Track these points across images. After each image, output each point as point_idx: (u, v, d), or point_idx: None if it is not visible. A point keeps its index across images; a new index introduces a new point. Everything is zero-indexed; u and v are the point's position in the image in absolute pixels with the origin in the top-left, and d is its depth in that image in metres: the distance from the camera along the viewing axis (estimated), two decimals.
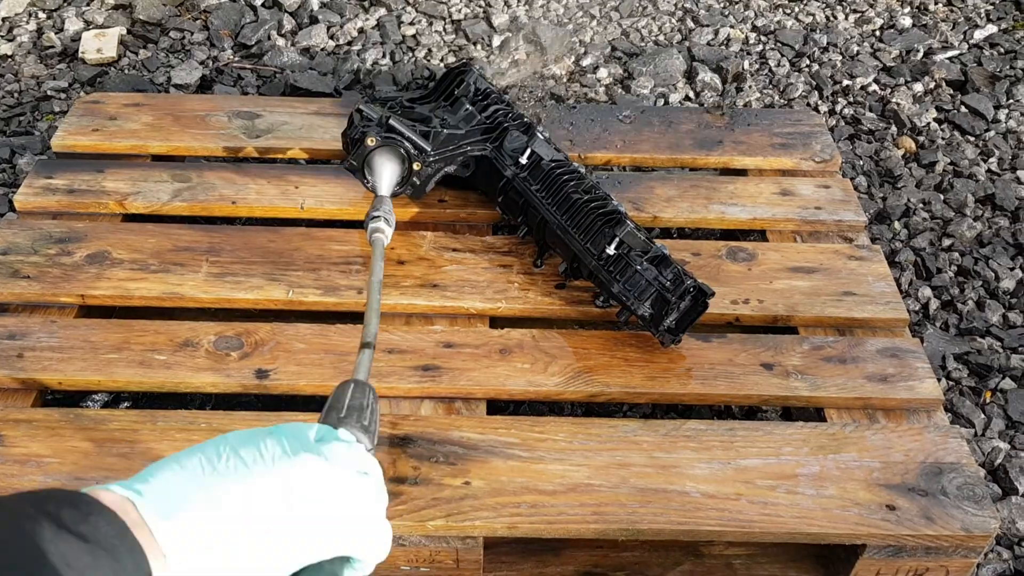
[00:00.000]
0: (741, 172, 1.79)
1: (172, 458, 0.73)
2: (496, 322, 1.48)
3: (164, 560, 0.66)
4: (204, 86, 2.29)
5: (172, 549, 0.66)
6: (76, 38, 2.40)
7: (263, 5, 2.52)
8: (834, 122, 2.26)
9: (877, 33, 2.54)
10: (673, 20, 2.55)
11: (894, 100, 2.30)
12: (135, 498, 0.67)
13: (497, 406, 1.40)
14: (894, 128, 2.24)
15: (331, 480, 0.76)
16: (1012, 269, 1.89)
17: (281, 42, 2.42)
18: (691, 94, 2.32)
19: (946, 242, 1.94)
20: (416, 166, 1.54)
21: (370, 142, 1.50)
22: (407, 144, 1.52)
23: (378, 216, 1.39)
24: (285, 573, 0.74)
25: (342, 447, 0.80)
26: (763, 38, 2.50)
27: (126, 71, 2.32)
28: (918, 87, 2.34)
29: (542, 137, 1.55)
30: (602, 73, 2.36)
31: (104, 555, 0.61)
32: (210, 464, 0.72)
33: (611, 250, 1.40)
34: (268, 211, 1.65)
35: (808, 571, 1.31)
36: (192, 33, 2.44)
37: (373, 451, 0.87)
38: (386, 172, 1.51)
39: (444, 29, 2.48)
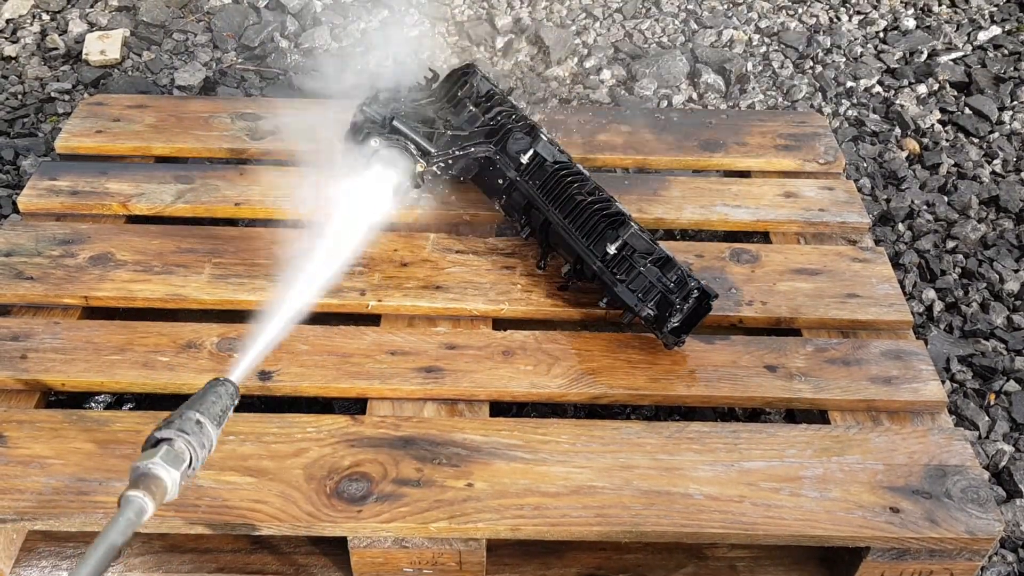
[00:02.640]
0: (745, 174, 1.79)
1: None
2: (499, 324, 1.48)
3: None
4: (207, 88, 2.29)
5: None
6: (80, 40, 2.40)
7: (266, 7, 2.52)
8: (838, 124, 2.25)
9: (881, 35, 2.53)
10: (676, 22, 2.55)
11: (898, 102, 2.30)
12: None
13: (500, 408, 1.40)
14: (898, 130, 2.23)
15: None
16: (1017, 271, 1.88)
17: (284, 44, 2.43)
18: (694, 96, 2.32)
19: (950, 244, 1.94)
20: (420, 167, 1.54)
21: (374, 143, 1.50)
22: (411, 146, 1.52)
23: (168, 439, 0.90)
24: None
25: None
26: (766, 40, 2.50)
27: (130, 73, 2.33)
28: (922, 89, 2.34)
29: (545, 139, 1.55)
30: (605, 75, 2.36)
31: None
32: None
33: (613, 250, 1.40)
34: (271, 213, 1.65)
35: (812, 574, 1.30)
36: (195, 35, 2.44)
37: None
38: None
39: (447, 31, 2.48)
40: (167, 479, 0.87)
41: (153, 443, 0.89)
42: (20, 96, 2.27)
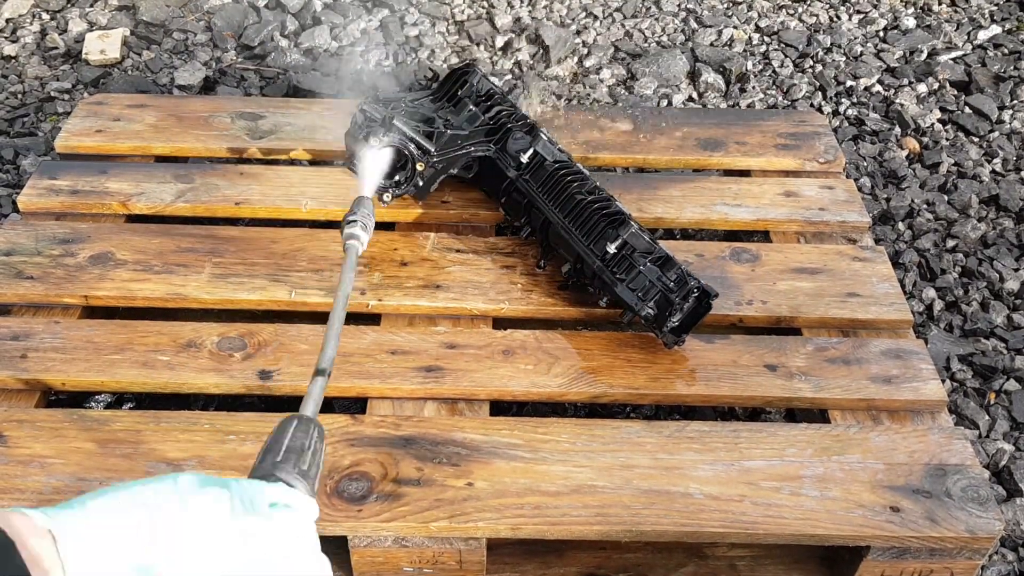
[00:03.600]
0: (745, 173, 1.79)
1: (115, 489, 0.76)
2: (499, 323, 1.48)
3: None
4: (207, 87, 2.29)
5: None
6: (80, 39, 2.40)
7: (266, 6, 2.52)
8: (838, 123, 2.25)
9: (881, 34, 2.53)
10: (676, 21, 2.55)
11: (898, 101, 2.29)
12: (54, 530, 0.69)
13: (500, 407, 1.40)
14: (898, 129, 2.23)
15: (268, 548, 0.78)
16: (1016, 270, 1.88)
17: (284, 43, 2.42)
18: (694, 95, 2.32)
19: (950, 243, 1.94)
20: (420, 167, 1.54)
21: (374, 142, 1.50)
22: (411, 145, 1.52)
23: (354, 220, 1.31)
24: None
25: (284, 517, 0.80)
26: (766, 39, 2.50)
27: (129, 72, 2.33)
28: (922, 88, 2.34)
29: (545, 138, 1.55)
30: (605, 74, 2.36)
31: None
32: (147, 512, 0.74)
33: (613, 249, 1.40)
34: (271, 212, 1.65)
35: (812, 573, 1.30)
36: (195, 34, 2.44)
37: (313, 494, 0.85)
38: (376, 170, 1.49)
39: (447, 30, 2.48)
40: (364, 236, 1.30)
41: (347, 222, 1.31)
42: (20, 95, 2.27)
